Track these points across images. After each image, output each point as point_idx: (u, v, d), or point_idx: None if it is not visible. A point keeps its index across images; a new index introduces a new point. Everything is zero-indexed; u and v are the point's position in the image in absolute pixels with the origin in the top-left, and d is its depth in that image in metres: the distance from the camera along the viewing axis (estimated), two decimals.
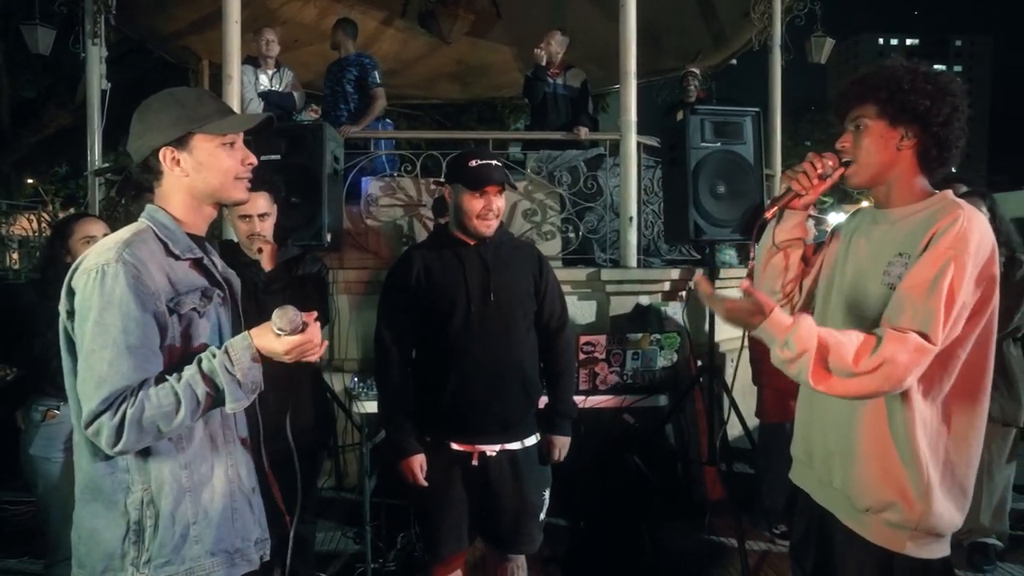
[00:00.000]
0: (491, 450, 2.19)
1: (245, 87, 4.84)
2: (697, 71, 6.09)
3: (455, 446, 2.19)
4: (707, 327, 3.67)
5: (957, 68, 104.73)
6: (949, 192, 1.55)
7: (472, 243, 2.24)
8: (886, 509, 1.51)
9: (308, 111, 5.39)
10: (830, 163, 1.61)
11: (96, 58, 5.67)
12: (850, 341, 1.43)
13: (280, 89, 5.18)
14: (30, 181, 16.09)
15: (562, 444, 2.39)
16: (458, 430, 2.18)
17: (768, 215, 1.68)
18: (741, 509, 3.34)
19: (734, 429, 3.60)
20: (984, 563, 3.23)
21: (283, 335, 1.35)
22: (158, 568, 1.35)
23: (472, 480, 2.19)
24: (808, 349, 1.41)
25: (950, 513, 1.49)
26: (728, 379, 4.08)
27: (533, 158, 4.99)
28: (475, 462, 2.18)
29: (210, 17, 5.31)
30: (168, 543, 1.36)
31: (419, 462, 2.19)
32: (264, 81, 5.13)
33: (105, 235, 2.67)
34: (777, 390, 3.48)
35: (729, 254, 5.57)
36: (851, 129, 1.59)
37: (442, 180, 2.39)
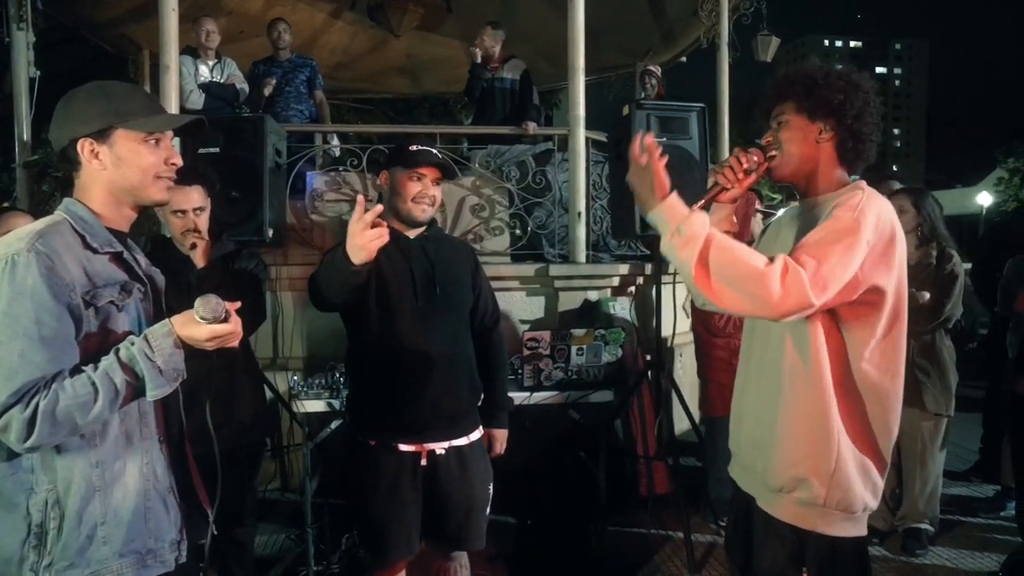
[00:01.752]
0: (440, 448, 2.15)
1: (185, 78, 4.69)
2: (656, 69, 6.13)
3: (403, 447, 2.13)
4: (654, 323, 3.69)
5: (897, 70, 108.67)
6: (862, 182, 1.63)
7: (410, 235, 2.19)
8: (797, 487, 1.57)
9: (265, 87, 5.25)
10: (755, 158, 1.67)
11: (23, 44, 5.41)
12: (744, 249, 1.48)
13: (221, 80, 5.03)
14: None
15: (502, 437, 2.41)
16: (406, 429, 2.13)
17: (695, 208, 1.69)
18: (687, 502, 3.38)
19: (682, 423, 3.64)
20: (917, 547, 3.34)
21: (204, 323, 1.33)
22: (60, 572, 1.30)
23: (420, 481, 2.14)
24: (696, 238, 1.47)
25: (860, 491, 1.55)
26: (676, 374, 4.13)
27: (481, 153, 4.95)
28: (424, 462, 2.13)
29: (149, 5, 5.12)
30: (72, 545, 1.31)
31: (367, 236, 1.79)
32: (204, 72, 4.99)
33: None
34: (720, 384, 3.53)
35: None
36: (773, 126, 1.68)
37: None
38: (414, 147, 2.15)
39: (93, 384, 1.26)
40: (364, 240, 1.76)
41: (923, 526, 3.38)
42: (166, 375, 1.31)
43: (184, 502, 1.54)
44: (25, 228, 1.33)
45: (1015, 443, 3.23)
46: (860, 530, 1.60)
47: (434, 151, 2.18)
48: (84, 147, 1.38)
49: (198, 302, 1.32)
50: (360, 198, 1.80)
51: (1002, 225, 4.64)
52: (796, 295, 1.41)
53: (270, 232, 3.62)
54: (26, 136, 5.44)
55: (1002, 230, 4.74)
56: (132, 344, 1.31)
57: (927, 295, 3.18)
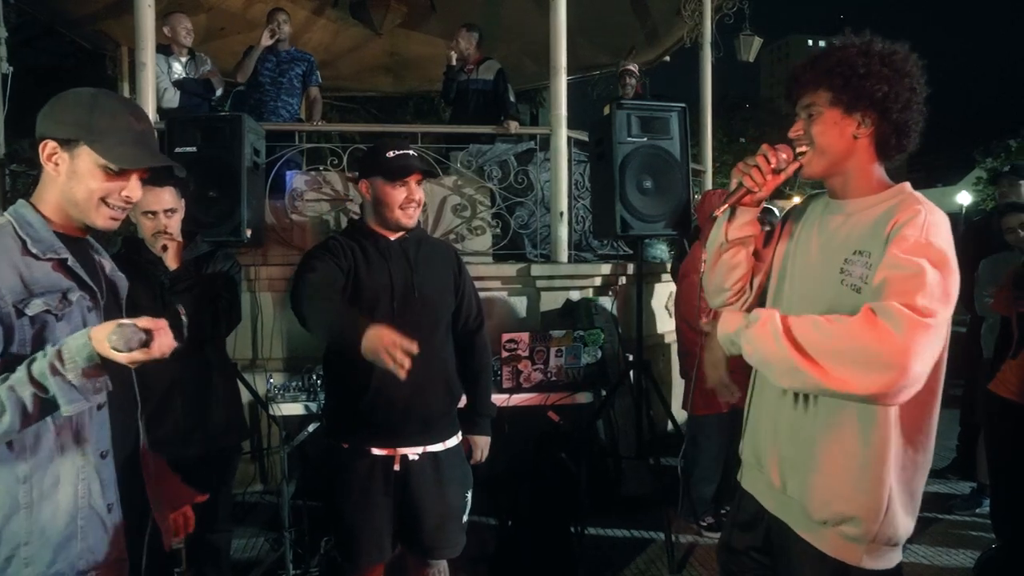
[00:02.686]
0: (413, 453, 2.12)
1: (159, 77, 4.62)
2: (635, 68, 6.14)
3: (376, 451, 2.11)
4: (636, 322, 3.69)
5: None
6: (907, 184, 1.47)
7: (392, 237, 2.17)
8: (844, 522, 1.43)
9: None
10: (784, 156, 1.51)
11: None
12: (828, 318, 1.31)
13: (195, 76, 4.97)
14: None
15: (483, 444, 2.36)
16: (379, 433, 2.10)
17: (718, 212, 1.60)
18: (669, 502, 3.38)
19: (664, 423, 3.64)
20: None
21: (120, 353, 1.20)
22: None
23: (394, 486, 2.11)
24: (770, 317, 1.34)
25: (905, 522, 1.45)
26: (657, 374, 4.13)
27: (462, 153, 4.93)
28: (397, 467, 2.11)
29: (126, 1, 5.04)
30: None
31: (384, 331, 1.71)
32: (178, 69, 4.93)
33: None
34: (703, 383, 3.53)
35: (660, 248, 5.65)
36: (803, 117, 1.49)
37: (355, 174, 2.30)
38: (392, 153, 2.11)
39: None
40: (385, 356, 1.66)
41: None
42: (83, 390, 1.22)
43: (136, 517, 1.46)
44: None
45: (991, 441, 3.26)
46: (900, 555, 1.50)
47: (411, 153, 2.14)
48: (46, 148, 1.35)
49: (113, 331, 1.20)
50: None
51: (980, 224, 4.69)
52: (925, 335, 1.23)
53: (248, 232, 3.58)
54: (0, 133, 5.35)
55: (980, 229, 4.79)
56: (44, 356, 1.22)
57: None
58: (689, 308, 3.51)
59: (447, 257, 2.30)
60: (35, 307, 1.29)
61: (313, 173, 4.67)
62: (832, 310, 1.41)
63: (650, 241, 4.97)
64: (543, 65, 5.59)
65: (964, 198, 28.70)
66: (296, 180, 4.58)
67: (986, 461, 3.43)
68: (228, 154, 3.59)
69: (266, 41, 5.16)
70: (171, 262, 2.41)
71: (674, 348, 4.39)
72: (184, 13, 5.17)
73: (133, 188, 1.40)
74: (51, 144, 1.34)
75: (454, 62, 5.33)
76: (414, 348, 1.68)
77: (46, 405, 1.22)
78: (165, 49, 4.89)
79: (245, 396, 3.22)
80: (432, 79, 8.83)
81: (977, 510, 3.87)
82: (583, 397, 3.33)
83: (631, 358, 3.83)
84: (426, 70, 8.65)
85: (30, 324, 1.28)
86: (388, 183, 2.10)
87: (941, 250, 1.31)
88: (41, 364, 1.22)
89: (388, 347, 1.64)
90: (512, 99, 5.38)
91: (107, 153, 1.35)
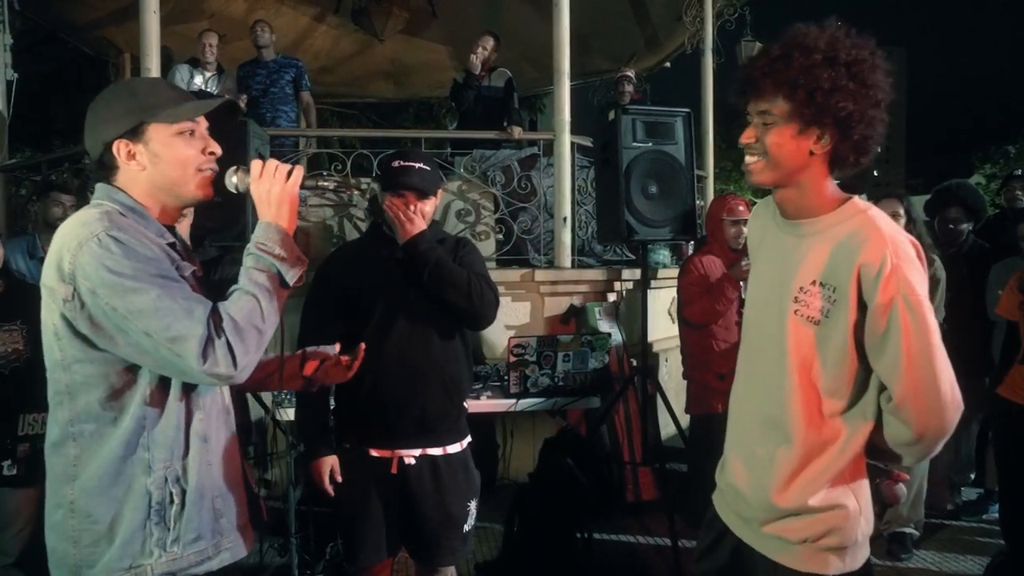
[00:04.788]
0: (410, 456, 2.12)
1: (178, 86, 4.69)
2: (631, 74, 6.15)
3: (374, 452, 2.12)
4: (640, 327, 3.68)
5: None
6: (856, 200, 1.40)
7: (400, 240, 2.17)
8: (825, 535, 1.40)
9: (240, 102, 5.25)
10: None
11: None
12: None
13: (214, 91, 5.03)
14: None
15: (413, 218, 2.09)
16: (376, 434, 2.11)
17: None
18: (674, 508, 3.37)
19: (670, 428, 3.62)
20: (902, 552, 3.35)
21: (244, 185, 1.36)
22: (187, 545, 1.31)
23: (392, 489, 2.12)
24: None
25: (871, 516, 1.45)
26: (662, 378, 4.12)
27: (466, 159, 4.93)
28: (394, 470, 2.11)
29: (130, 8, 5.06)
30: (194, 518, 1.32)
31: (327, 464, 2.13)
32: (199, 82, 4.99)
33: None
34: (699, 383, 3.54)
35: (663, 254, 5.65)
36: (757, 123, 1.39)
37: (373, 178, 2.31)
38: (397, 163, 2.12)
39: (248, 293, 1.28)
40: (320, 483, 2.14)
41: (908, 530, 3.39)
42: (288, 260, 1.33)
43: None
44: (78, 219, 1.27)
45: (999, 446, 3.25)
46: (868, 548, 1.47)
47: (416, 167, 2.11)
48: (120, 149, 1.32)
49: (227, 179, 1.36)
50: None
51: (984, 230, 4.68)
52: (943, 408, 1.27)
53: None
54: (3, 139, 5.34)
55: (989, 232, 4.78)
56: (248, 250, 1.32)
57: None
58: (690, 310, 3.52)
59: (451, 253, 2.22)
60: (185, 270, 1.34)
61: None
62: (775, 338, 1.40)
63: (653, 247, 4.97)
64: (543, 71, 5.62)
65: None
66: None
67: (995, 466, 3.42)
68: (233, 159, 3.58)
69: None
70: None
71: (677, 353, 4.38)
72: (175, 24, 5.26)
73: (209, 142, 1.39)
74: (121, 142, 1.32)
75: (477, 69, 5.32)
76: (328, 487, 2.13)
77: (278, 282, 1.32)
78: (193, 61, 4.99)
79: (251, 402, 3.21)
80: (433, 85, 8.87)
81: (984, 516, 3.86)
82: (592, 401, 3.32)
83: (635, 363, 3.82)
84: (427, 76, 8.69)
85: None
86: (386, 193, 2.11)
87: (919, 302, 1.27)
88: (252, 254, 1.32)
89: (318, 480, 2.13)
90: (516, 106, 5.40)
91: (175, 116, 1.33)
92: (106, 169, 1.35)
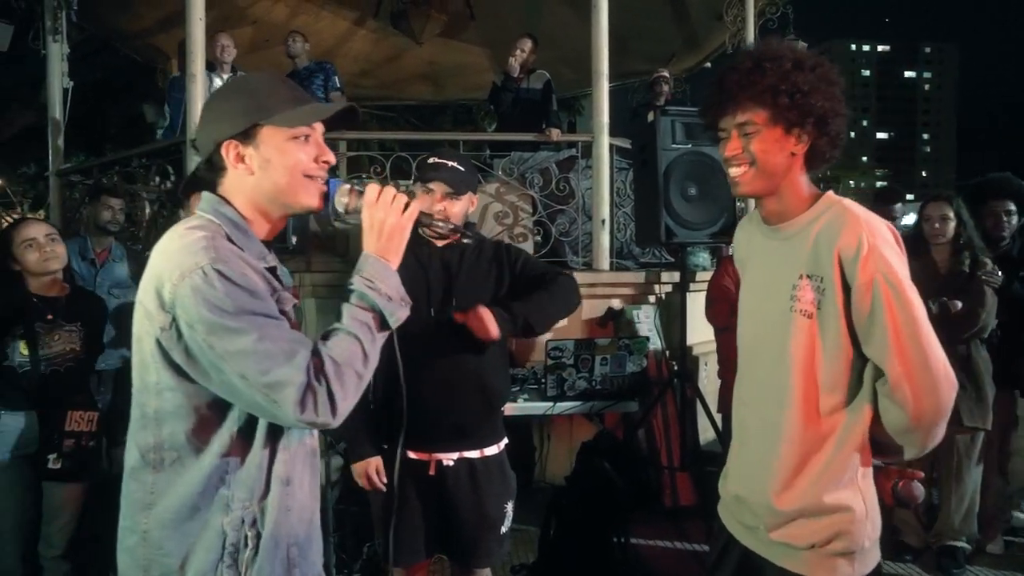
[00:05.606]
0: (448, 459, 2.13)
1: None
2: (667, 74, 6.09)
3: (411, 455, 2.12)
4: (679, 331, 3.64)
5: (926, 74, 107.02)
6: (831, 193, 1.46)
7: (439, 244, 2.18)
8: (832, 540, 1.40)
9: None
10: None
11: (57, 56, 5.54)
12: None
13: None
14: None
15: (484, 317, 2.02)
16: (413, 437, 2.12)
17: None
18: (712, 514, 3.31)
19: (708, 433, 3.58)
20: (953, 566, 3.23)
21: (355, 208, 1.31)
22: None
23: (429, 490, 2.13)
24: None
25: (878, 520, 1.45)
26: (701, 383, 4.07)
27: (504, 160, 4.94)
28: (432, 472, 2.12)
29: (177, 15, 5.21)
30: (266, 567, 1.23)
31: (371, 465, 2.14)
32: (219, 84, 5.09)
33: (48, 236, 2.58)
34: (727, 384, 3.50)
35: (703, 256, 5.57)
36: (739, 135, 1.44)
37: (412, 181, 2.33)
38: (431, 159, 2.14)
39: (350, 334, 1.21)
40: (364, 482, 2.17)
41: (959, 544, 3.28)
42: (394, 301, 1.27)
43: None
44: (185, 242, 1.19)
45: None
46: (879, 552, 1.47)
47: (448, 164, 2.11)
48: (229, 150, 1.25)
49: (336, 199, 1.30)
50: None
51: None
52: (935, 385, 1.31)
53: (293, 239, 3.64)
54: (60, 144, 5.55)
55: None
56: (351, 285, 1.25)
57: (959, 304, 3.09)
58: (711, 311, 3.59)
59: (494, 258, 2.23)
60: (284, 303, 1.27)
61: (355, 181, 4.74)
62: (778, 338, 1.43)
63: (692, 249, 4.91)
64: (581, 73, 5.59)
65: None
66: (339, 189, 4.64)
67: None
68: None
69: None
70: None
71: (713, 358, 4.32)
72: (226, 30, 5.33)
73: (324, 150, 1.30)
74: (232, 143, 1.24)
75: (515, 72, 5.34)
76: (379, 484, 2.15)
77: (380, 324, 1.26)
78: (209, 66, 5.08)
79: None
80: (471, 87, 8.92)
81: None
82: (629, 405, 3.29)
83: (675, 367, 3.78)
84: (465, 78, 8.72)
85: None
86: (420, 187, 2.13)
87: (898, 279, 1.32)
88: (357, 290, 1.25)
89: (362, 478, 2.16)
90: (555, 108, 5.39)
91: (290, 120, 1.25)
92: (213, 170, 1.28)
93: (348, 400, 1.19)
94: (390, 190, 1.31)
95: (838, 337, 1.37)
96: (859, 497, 1.40)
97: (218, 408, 1.20)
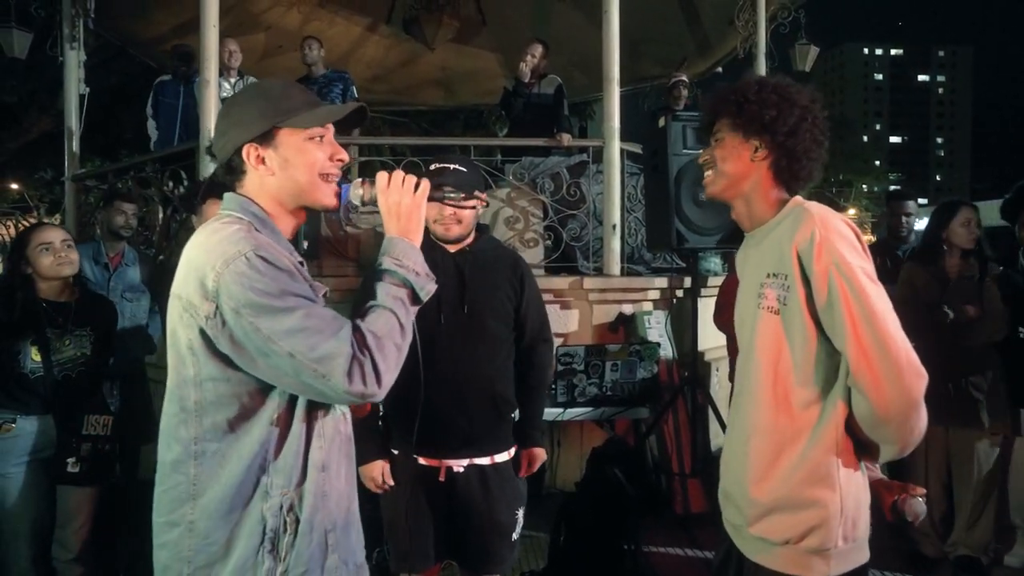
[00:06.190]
0: (458, 466, 2.12)
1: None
2: (686, 78, 6.06)
3: (422, 461, 2.12)
4: (691, 337, 3.63)
5: (940, 78, 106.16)
6: (797, 198, 1.55)
7: (452, 249, 2.18)
8: (806, 536, 1.42)
9: None
10: None
11: (74, 62, 5.61)
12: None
13: None
14: (15, 187, 15.97)
15: (539, 456, 2.32)
16: (423, 444, 2.12)
17: None
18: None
19: (719, 439, 3.55)
20: None
21: (370, 197, 1.36)
22: None
23: (439, 496, 2.13)
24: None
25: (860, 521, 1.44)
26: (712, 389, 4.04)
27: (515, 165, 4.94)
28: (442, 478, 2.11)
29: (192, 22, 5.26)
30: (305, 551, 1.27)
31: (378, 468, 2.15)
32: (227, 89, 5.15)
33: (64, 241, 2.61)
34: None
35: (714, 262, 5.54)
36: (712, 143, 1.61)
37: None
38: (435, 165, 2.13)
39: (387, 309, 1.27)
40: (371, 485, 2.17)
41: (976, 555, 3.23)
42: (422, 276, 1.32)
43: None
44: (223, 235, 1.24)
45: None
46: (867, 554, 1.47)
47: (451, 167, 2.12)
48: (250, 153, 1.31)
49: (351, 193, 1.36)
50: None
51: None
52: (900, 371, 1.32)
53: (305, 244, 3.65)
54: (76, 149, 5.61)
55: None
56: (382, 265, 1.31)
57: (971, 309, 3.06)
58: (720, 318, 3.59)
59: (509, 269, 2.25)
60: (319, 290, 1.32)
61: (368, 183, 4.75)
62: (751, 337, 1.51)
63: (703, 254, 4.89)
64: (592, 77, 5.59)
65: None
66: (352, 184, 4.66)
67: None
68: None
69: None
70: None
71: (725, 364, 4.29)
72: (234, 36, 5.38)
73: (337, 148, 1.37)
74: (252, 146, 1.30)
75: (527, 77, 5.35)
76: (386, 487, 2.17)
77: (412, 299, 1.32)
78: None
79: None
80: (483, 92, 8.94)
81: None
82: (640, 412, 3.28)
83: (686, 373, 3.76)
84: (477, 84, 8.75)
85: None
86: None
87: (850, 268, 1.36)
88: (387, 267, 1.31)
89: (370, 481, 2.16)
90: (566, 112, 5.39)
91: (306, 121, 1.32)
92: (233, 174, 1.34)
93: (390, 372, 1.24)
94: (399, 173, 1.37)
95: (804, 330, 1.42)
96: (836, 495, 1.42)
97: (260, 395, 1.25)
